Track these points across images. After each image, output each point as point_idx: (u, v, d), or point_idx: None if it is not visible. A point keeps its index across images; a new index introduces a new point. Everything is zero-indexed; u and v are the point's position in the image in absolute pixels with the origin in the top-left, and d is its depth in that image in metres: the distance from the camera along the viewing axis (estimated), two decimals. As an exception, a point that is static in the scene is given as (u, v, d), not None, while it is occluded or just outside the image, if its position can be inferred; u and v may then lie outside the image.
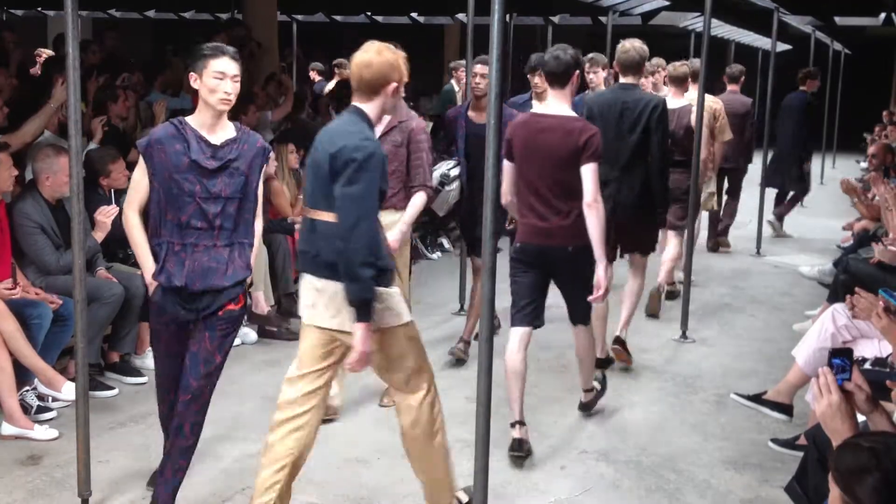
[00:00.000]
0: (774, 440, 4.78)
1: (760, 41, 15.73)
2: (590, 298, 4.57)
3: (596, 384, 5.14)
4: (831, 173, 16.11)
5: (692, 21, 12.88)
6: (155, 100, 7.77)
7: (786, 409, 5.05)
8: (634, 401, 5.43)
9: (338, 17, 13.75)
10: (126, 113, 7.10)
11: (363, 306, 3.37)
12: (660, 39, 16.16)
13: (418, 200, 4.96)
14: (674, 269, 7.46)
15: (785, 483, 3.60)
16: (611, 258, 5.15)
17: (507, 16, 4.41)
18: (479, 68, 5.69)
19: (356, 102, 3.55)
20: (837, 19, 13.02)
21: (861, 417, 2.73)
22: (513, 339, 4.63)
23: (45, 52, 9.21)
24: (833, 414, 2.60)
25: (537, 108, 4.96)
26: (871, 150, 10.40)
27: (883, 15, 12.10)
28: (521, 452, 4.52)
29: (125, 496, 4.08)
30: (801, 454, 3.79)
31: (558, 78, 4.56)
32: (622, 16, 11.58)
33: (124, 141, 6.87)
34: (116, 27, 10.19)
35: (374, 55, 3.53)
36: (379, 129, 4.41)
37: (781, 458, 4.59)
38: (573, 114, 4.62)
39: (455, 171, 5.67)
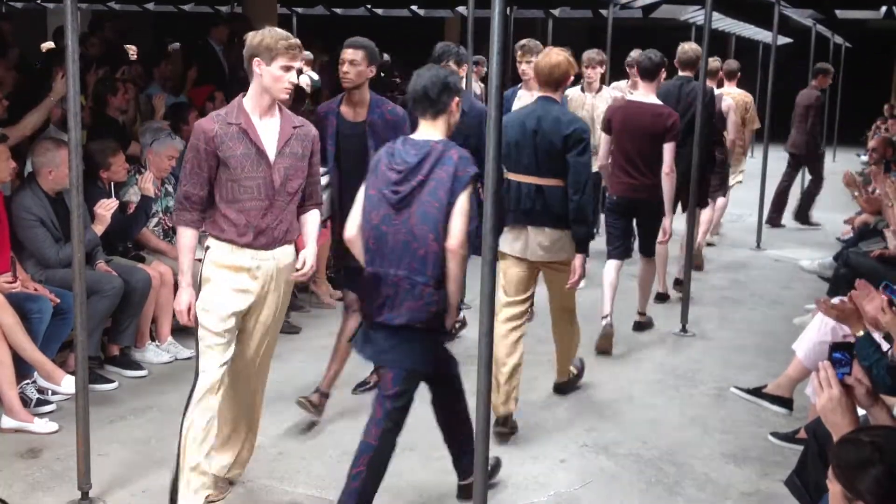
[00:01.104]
0: (774, 434, 4.78)
1: (761, 34, 15.71)
2: (658, 241, 6.20)
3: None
4: (832, 167, 16.04)
5: (693, 14, 12.85)
6: (154, 93, 7.75)
7: (786, 402, 5.05)
8: (634, 394, 5.43)
9: (338, 10, 13.72)
10: (126, 106, 7.08)
11: (585, 242, 4.66)
12: (660, 33, 16.17)
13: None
14: (706, 233, 8.60)
15: (785, 477, 3.60)
16: (674, 212, 6.27)
17: (508, 9, 4.45)
18: (348, 53, 4.64)
19: (547, 94, 4.74)
20: (838, 12, 12.99)
21: (861, 411, 2.73)
22: (609, 266, 6.22)
23: (49, 46, 9.20)
24: (833, 408, 2.60)
25: (632, 96, 6.58)
26: (871, 143, 10.39)
27: (884, 8, 12.07)
28: (606, 346, 6.03)
29: (125, 489, 4.08)
30: (801, 448, 3.79)
31: (649, 73, 6.13)
32: (623, 9, 11.56)
33: (124, 134, 6.86)
34: (116, 19, 10.14)
35: (562, 58, 4.71)
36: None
37: (781, 452, 4.59)
38: (659, 102, 6.08)
39: (324, 181, 4.43)
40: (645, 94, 6.13)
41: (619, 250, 6.24)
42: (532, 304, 4.97)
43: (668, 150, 5.88)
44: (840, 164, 16.36)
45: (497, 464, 4.25)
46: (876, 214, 7.27)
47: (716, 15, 11.52)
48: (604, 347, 6.05)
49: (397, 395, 3.68)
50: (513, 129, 4.66)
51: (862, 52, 19.39)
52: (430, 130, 3.71)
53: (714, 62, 8.27)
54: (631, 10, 12.03)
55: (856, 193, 8.14)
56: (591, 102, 7.37)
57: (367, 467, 3.63)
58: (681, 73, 7.25)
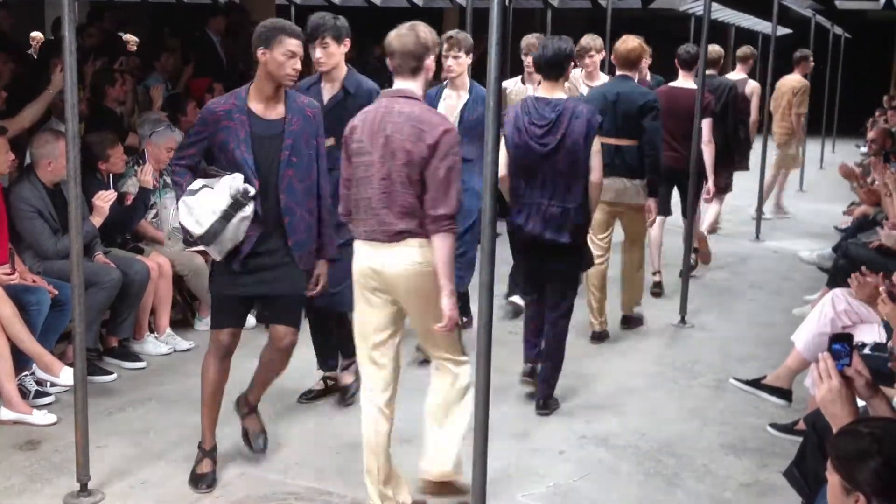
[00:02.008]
0: (773, 425, 4.78)
1: (761, 25, 15.66)
2: (703, 198, 7.44)
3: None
4: (831, 158, 16.06)
5: (692, 5, 12.80)
6: (152, 83, 7.73)
7: (785, 394, 5.04)
8: (633, 386, 5.42)
9: (336, 0, 13.68)
10: (123, 97, 7.07)
11: (655, 189, 5.86)
12: (659, 23, 16.13)
13: None
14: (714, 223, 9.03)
15: (784, 468, 3.60)
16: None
17: (507, -1, 4.46)
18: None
19: (625, 72, 5.96)
20: (838, 3, 12.94)
21: (861, 403, 2.73)
22: (656, 226, 7.01)
23: (38, 36, 9.16)
24: (833, 399, 2.59)
25: (675, 83, 7.33)
26: (870, 134, 10.39)
27: (883, -1, 12.04)
28: (658, 292, 7.25)
29: (124, 481, 4.08)
30: (800, 439, 3.79)
31: (688, 64, 7.29)
32: (622, -1, 11.51)
33: (121, 125, 6.85)
34: (115, 9, 10.11)
35: (637, 43, 5.94)
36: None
37: (780, 443, 4.59)
38: (696, 86, 6.78)
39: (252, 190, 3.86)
40: (684, 81, 7.30)
41: (662, 209, 6.81)
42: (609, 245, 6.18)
43: (705, 124, 6.88)
44: (839, 154, 16.35)
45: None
46: (875, 205, 7.26)
47: (715, 5, 11.48)
48: (657, 294, 7.21)
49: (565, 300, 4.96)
50: (595, 100, 5.75)
51: (861, 43, 19.35)
52: (557, 91, 4.82)
53: (745, 48, 9.55)
54: (630, 1, 11.99)
55: (855, 184, 8.13)
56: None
57: (548, 360, 4.95)
58: (708, 72, 7.73)
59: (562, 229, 4.74)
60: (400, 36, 3.65)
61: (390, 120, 3.58)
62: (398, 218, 3.58)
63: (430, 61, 3.67)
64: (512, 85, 6.72)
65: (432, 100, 5.34)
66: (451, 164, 3.54)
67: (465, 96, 5.50)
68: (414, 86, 3.66)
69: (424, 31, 3.69)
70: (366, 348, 3.76)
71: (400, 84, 3.67)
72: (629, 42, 5.99)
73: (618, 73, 6.05)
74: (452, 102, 5.51)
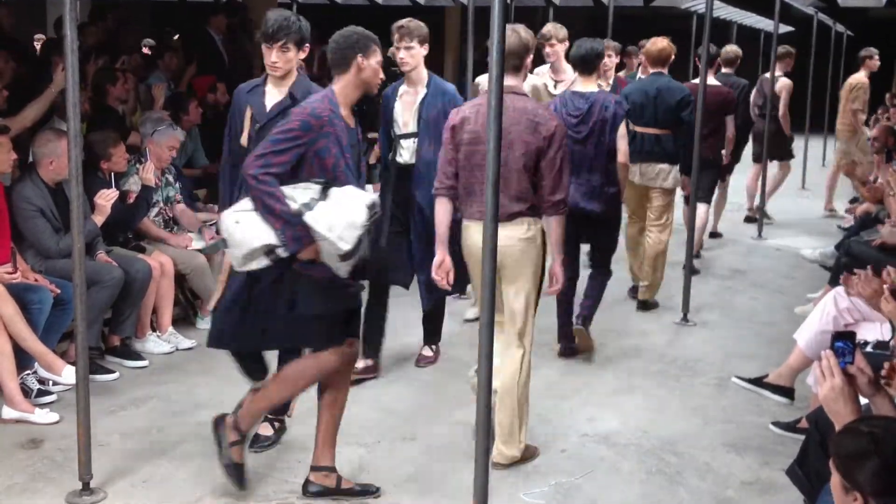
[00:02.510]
0: (775, 423, 4.77)
1: (763, 23, 15.64)
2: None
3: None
4: (833, 156, 16.03)
5: (694, 3, 12.79)
6: (154, 82, 7.73)
7: (787, 392, 5.04)
8: (635, 384, 5.42)
9: (338, 0, 13.67)
10: (125, 95, 7.07)
11: (689, 171, 6.57)
12: (661, 21, 16.10)
13: None
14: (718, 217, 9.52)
15: (786, 466, 3.60)
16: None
17: (508, -3, 4.46)
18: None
19: (658, 69, 6.75)
20: (840, 1, 12.92)
21: (864, 401, 2.72)
22: (701, 208, 7.65)
23: (42, 37, 9.17)
24: (836, 397, 2.59)
25: (697, 80, 7.17)
26: (873, 132, 10.35)
27: (886, -4, 12.02)
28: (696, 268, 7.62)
29: (126, 479, 4.08)
30: (802, 437, 3.78)
31: (708, 63, 7.05)
32: (624, -3, 11.50)
33: (123, 124, 6.85)
34: (116, 8, 10.11)
35: (665, 43, 6.76)
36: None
37: (782, 442, 4.59)
38: (719, 83, 7.72)
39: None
40: (708, 78, 7.43)
41: (704, 196, 7.80)
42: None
43: (729, 121, 7.73)
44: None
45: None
46: (878, 203, 7.25)
47: (717, 3, 11.43)
48: (695, 270, 7.42)
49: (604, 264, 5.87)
50: (636, 95, 6.61)
51: (864, 41, 19.29)
52: (589, 84, 5.54)
53: (786, 46, 10.11)
54: (632, -1, 11.98)
55: (857, 182, 8.12)
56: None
57: (589, 298, 5.85)
58: (724, 70, 8.63)
59: (593, 201, 5.46)
60: (507, 37, 3.80)
61: (504, 114, 3.50)
62: (512, 201, 4.06)
63: (529, 59, 4.24)
64: (486, 81, 6.43)
65: (389, 99, 5.06)
66: (563, 154, 4.10)
67: (422, 91, 5.10)
68: (517, 82, 4.17)
69: (524, 32, 4.23)
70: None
71: (508, 81, 3.74)
72: (658, 42, 6.81)
73: (651, 70, 6.90)
74: (409, 98, 5.12)
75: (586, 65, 5.53)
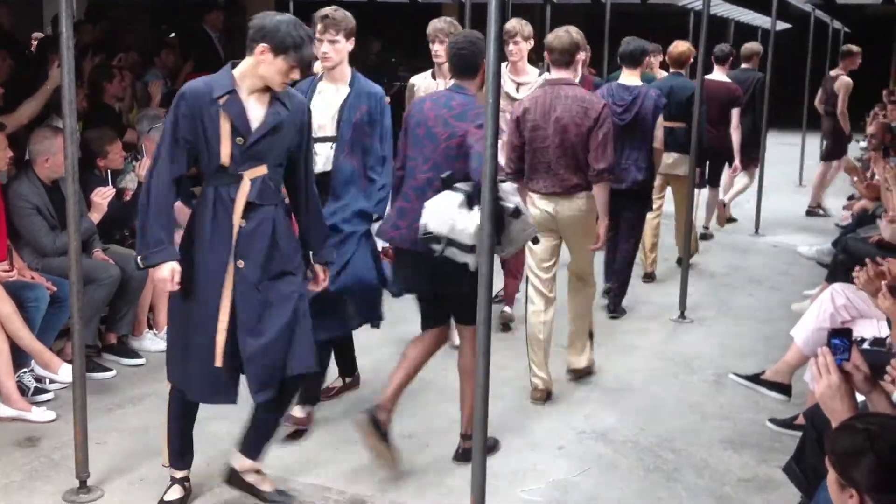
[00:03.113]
0: (772, 420, 4.78)
1: (760, 20, 15.64)
2: (730, 174, 9.04)
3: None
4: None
5: (691, 0, 12.79)
6: (151, 80, 7.72)
7: (784, 389, 5.04)
8: (633, 381, 5.42)
9: (335, -4, 13.68)
10: (122, 93, 7.07)
11: (704, 158, 7.59)
12: (658, 18, 16.11)
13: None
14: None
15: (783, 463, 3.59)
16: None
17: (506, -6, 4.45)
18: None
19: (677, 70, 7.50)
20: (837, -3, 12.96)
21: (861, 398, 2.72)
22: (710, 191, 8.84)
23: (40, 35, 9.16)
24: (832, 394, 2.59)
25: (710, 76, 8.07)
26: (870, 129, 10.37)
27: (883, -7, 12.04)
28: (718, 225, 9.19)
29: (123, 477, 4.08)
30: (799, 434, 3.78)
31: (722, 60, 8.34)
32: (621, -6, 11.50)
33: (120, 121, 6.84)
34: (112, 7, 10.11)
35: (686, 47, 7.30)
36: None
37: (779, 438, 4.59)
38: (728, 80, 8.33)
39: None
40: (718, 74, 8.33)
41: (711, 180, 8.63)
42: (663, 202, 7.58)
43: (735, 113, 8.18)
44: (839, 149, 16.32)
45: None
46: (875, 200, 7.25)
47: (714, 0, 11.47)
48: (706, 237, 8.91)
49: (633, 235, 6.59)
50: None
51: (861, 38, 19.32)
52: (633, 78, 6.26)
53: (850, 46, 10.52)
54: (629, -4, 11.98)
55: (855, 179, 8.12)
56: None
57: (617, 280, 6.69)
58: (743, 66, 9.41)
59: (629, 178, 6.21)
60: (558, 37, 4.93)
61: (559, 103, 4.84)
62: (571, 174, 4.87)
63: (580, 55, 5.19)
64: (420, 81, 5.71)
65: (304, 93, 4.31)
66: (607, 130, 4.81)
67: (344, 90, 4.43)
68: (570, 75, 4.99)
69: (575, 33, 4.98)
70: (535, 273, 5.02)
71: (558, 74, 4.96)
72: (679, 46, 7.55)
73: (671, 70, 7.57)
74: (329, 97, 4.44)
75: (633, 60, 6.27)
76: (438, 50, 5.40)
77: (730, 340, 6.22)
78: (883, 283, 3.73)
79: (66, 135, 3.72)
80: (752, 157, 9.24)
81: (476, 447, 3.13)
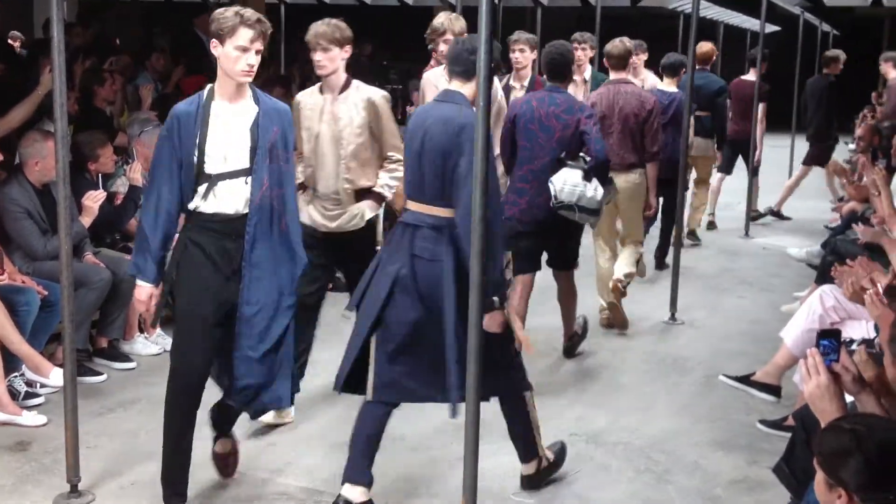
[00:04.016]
0: (762, 421, 4.80)
1: (749, 23, 15.71)
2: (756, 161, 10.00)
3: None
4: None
5: (681, 2, 12.84)
6: (142, 83, 7.71)
7: (774, 390, 5.07)
8: (623, 383, 5.44)
9: (326, 0, 13.67)
10: (113, 97, 7.06)
11: (722, 141, 8.98)
12: (648, 21, 16.15)
13: None
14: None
15: (773, 464, 3.61)
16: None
17: (496, -3, 4.46)
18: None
19: (703, 67, 8.59)
20: (826, 0, 13.00)
21: (850, 398, 2.74)
22: (717, 180, 9.81)
23: (18, 38, 9.14)
24: (821, 395, 2.61)
25: (744, 76, 9.78)
26: (858, 131, 10.41)
27: (871, -5, 12.10)
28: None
29: (114, 482, 4.07)
30: (788, 435, 3.80)
31: (752, 63, 9.55)
32: (611, -3, 11.54)
33: (111, 125, 6.84)
34: (104, 10, 10.10)
35: (709, 47, 8.34)
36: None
37: (769, 439, 4.61)
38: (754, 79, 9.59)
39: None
40: (752, 75, 9.64)
41: (725, 168, 9.88)
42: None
43: (762, 108, 9.41)
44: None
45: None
46: (863, 202, 7.29)
47: (703, 3, 11.52)
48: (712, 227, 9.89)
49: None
50: (685, 88, 7.34)
51: (850, 40, 19.42)
52: (672, 85, 7.51)
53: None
54: (619, -1, 12.02)
55: (844, 181, 8.16)
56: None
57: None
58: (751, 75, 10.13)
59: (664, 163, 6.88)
60: (615, 46, 6.20)
61: (620, 97, 6.16)
62: (629, 153, 6.15)
63: (633, 59, 6.63)
64: (307, 98, 4.67)
65: (192, 116, 3.62)
66: (658, 120, 6.19)
67: (252, 109, 3.67)
68: (625, 75, 6.30)
69: (628, 42, 6.25)
70: (601, 236, 6.30)
71: (617, 75, 6.28)
72: (704, 46, 8.57)
73: (698, 67, 8.18)
74: (229, 118, 3.63)
75: (673, 70, 7.55)
76: (321, 59, 4.41)
77: (720, 342, 6.24)
78: (870, 291, 3.75)
79: (58, 138, 3.72)
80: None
81: (467, 450, 3.14)
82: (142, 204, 4.21)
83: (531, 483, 4.07)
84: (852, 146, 12.13)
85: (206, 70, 8.62)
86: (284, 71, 10.57)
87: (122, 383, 5.24)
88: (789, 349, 4.86)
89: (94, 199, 5.34)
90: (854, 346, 4.03)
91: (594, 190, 4.99)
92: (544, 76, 5.78)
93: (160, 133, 3.71)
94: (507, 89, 6.25)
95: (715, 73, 9.49)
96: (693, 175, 8.96)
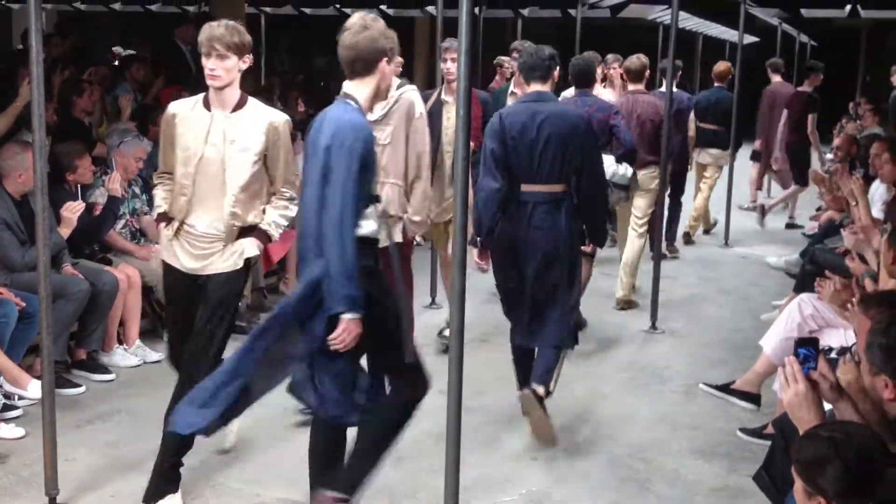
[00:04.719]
0: (742, 430, 4.82)
1: (728, 34, 15.83)
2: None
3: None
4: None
5: (660, 14, 12.92)
6: (121, 93, 7.67)
7: (753, 398, 5.09)
8: (605, 392, 5.45)
9: (307, 10, 13.65)
10: (92, 107, 7.02)
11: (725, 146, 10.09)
12: (628, 32, 16.24)
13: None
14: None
15: (753, 472, 3.63)
16: None
17: (477, 8, 4.47)
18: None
19: (720, 84, 9.72)
20: (804, 11, 13.11)
21: (828, 407, 2.76)
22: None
23: None
24: (800, 403, 2.62)
25: (773, 86, 11.08)
26: (836, 141, 10.50)
27: (848, 7, 12.20)
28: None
29: (93, 494, 4.04)
30: (768, 443, 3.82)
31: (779, 71, 11.06)
32: (591, 8, 11.59)
33: (90, 136, 6.80)
34: (82, 20, 10.05)
35: (726, 66, 9.83)
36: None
37: (749, 448, 4.63)
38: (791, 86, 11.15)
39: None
40: (782, 84, 11.13)
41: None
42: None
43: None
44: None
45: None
46: (841, 212, 7.35)
47: (683, 14, 11.60)
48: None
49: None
50: (703, 101, 9.68)
51: (827, 51, 19.62)
52: (680, 92, 8.56)
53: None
54: (599, 10, 12.07)
55: (823, 190, 8.22)
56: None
57: None
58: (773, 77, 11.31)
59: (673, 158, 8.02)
60: (632, 61, 7.25)
61: (638, 106, 7.13)
62: (648, 154, 6.98)
63: (646, 73, 7.29)
64: (186, 110, 4.03)
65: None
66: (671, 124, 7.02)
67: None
68: (641, 86, 7.30)
69: (644, 58, 7.26)
70: (636, 218, 7.19)
71: (634, 87, 7.30)
72: (721, 66, 9.73)
73: (716, 84, 9.70)
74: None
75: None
76: (216, 68, 3.80)
77: (700, 351, 6.27)
78: (853, 299, 3.77)
79: (35, 149, 3.70)
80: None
81: (449, 458, 3.14)
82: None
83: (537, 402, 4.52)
84: (830, 156, 12.24)
85: (185, 80, 8.61)
86: (264, 82, 10.54)
87: (101, 395, 5.20)
88: (768, 357, 4.89)
89: (72, 210, 5.30)
90: (833, 355, 4.06)
91: (625, 169, 5.93)
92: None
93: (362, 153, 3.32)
94: (439, 104, 5.76)
95: (709, 86, 10.13)
96: (704, 181, 9.89)
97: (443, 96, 5.83)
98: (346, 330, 3.28)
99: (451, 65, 5.61)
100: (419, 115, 4.98)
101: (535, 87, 4.64)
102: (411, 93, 5.01)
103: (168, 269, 4.01)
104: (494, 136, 4.54)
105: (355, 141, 3.26)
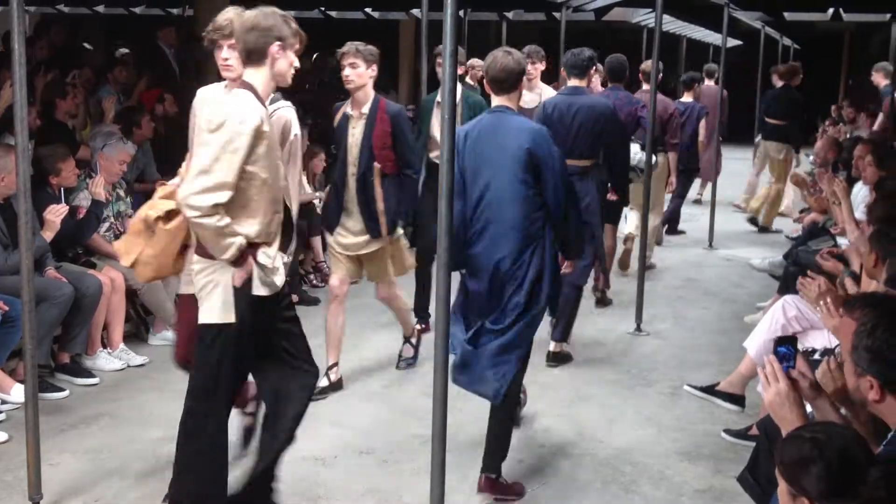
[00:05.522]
0: (727, 431, 4.84)
1: (711, 37, 15.89)
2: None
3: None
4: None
5: (644, 17, 12.97)
6: (105, 96, 7.64)
7: (738, 399, 5.12)
8: (590, 394, 5.46)
9: (291, 13, 13.65)
10: (75, 110, 6.99)
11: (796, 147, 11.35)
12: (612, 35, 16.29)
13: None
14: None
15: (738, 473, 3.64)
16: None
17: (461, 11, 4.48)
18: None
19: (786, 82, 10.79)
20: (787, 14, 13.19)
21: (810, 408, 2.77)
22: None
23: None
24: (781, 402, 2.63)
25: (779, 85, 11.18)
26: (818, 144, 10.58)
27: (831, 10, 12.28)
28: None
29: (77, 499, 4.02)
30: (753, 444, 3.84)
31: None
32: (576, 11, 11.61)
33: (73, 138, 6.77)
34: (64, 22, 10.00)
35: (796, 66, 11.31)
36: None
37: (734, 449, 4.65)
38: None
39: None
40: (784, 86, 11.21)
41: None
42: None
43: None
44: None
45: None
46: (824, 213, 7.39)
47: (666, 17, 11.64)
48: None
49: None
50: (770, 98, 10.66)
51: (810, 54, 19.73)
52: (688, 97, 9.49)
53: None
54: (584, 13, 12.11)
55: (805, 193, 8.27)
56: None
57: None
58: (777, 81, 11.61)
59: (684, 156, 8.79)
60: (647, 65, 7.63)
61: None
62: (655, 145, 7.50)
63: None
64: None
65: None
66: (677, 120, 8.07)
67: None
68: (647, 88, 7.49)
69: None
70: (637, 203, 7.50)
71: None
72: (784, 66, 10.85)
73: (782, 83, 10.58)
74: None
75: (688, 84, 9.62)
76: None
77: (685, 352, 6.29)
78: (826, 300, 3.78)
79: (19, 152, 3.68)
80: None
81: (434, 461, 3.14)
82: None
83: (558, 358, 5.84)
84: (813, 158, 12.32)
85: (168, 82, 8.60)
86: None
87: (85, 399, 5.18)
88: (752, 359, 4.91)
89: (55, 214, 5.28)
90: (816, 356, 4.08)
91: (641, 154, 6.80)
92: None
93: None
94: (345, 119, 5.14)
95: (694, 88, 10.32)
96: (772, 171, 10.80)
97: (349, 110, 5.14)
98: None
99: (350, 71, 5.00)
100: (294, 137, 4.05)
101: (574, 82, 5.87)
102: (286, 110, 4.08)
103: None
104: (546, 122, 5.44)
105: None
